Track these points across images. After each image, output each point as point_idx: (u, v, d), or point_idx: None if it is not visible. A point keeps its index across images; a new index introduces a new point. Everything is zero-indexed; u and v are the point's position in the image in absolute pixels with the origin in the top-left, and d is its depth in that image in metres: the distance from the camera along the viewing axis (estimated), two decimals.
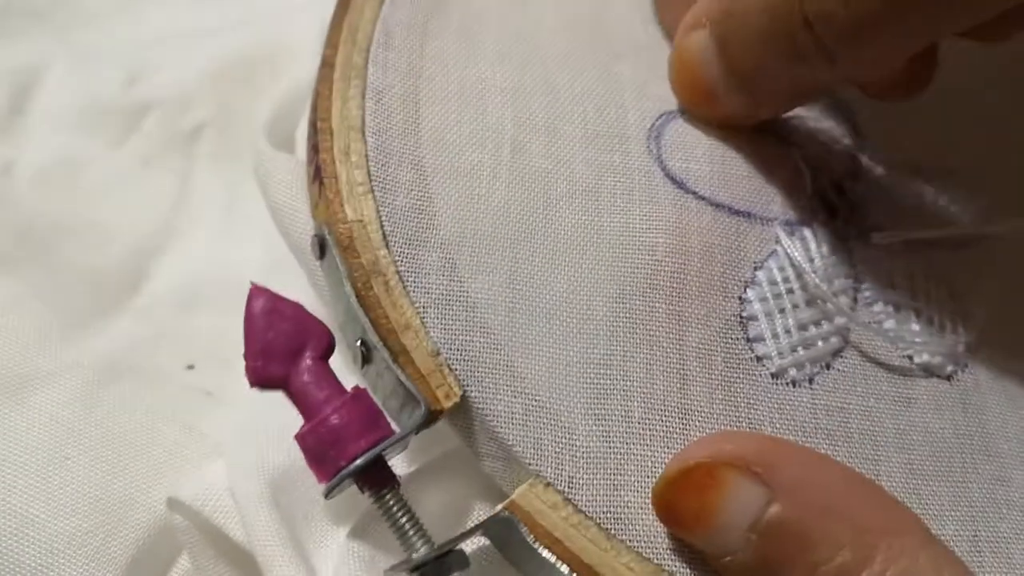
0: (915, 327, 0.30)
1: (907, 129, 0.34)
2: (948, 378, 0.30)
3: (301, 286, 0.30)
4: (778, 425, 0.27)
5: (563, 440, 0.25)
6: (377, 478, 0.24)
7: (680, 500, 0.23)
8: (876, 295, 0.30)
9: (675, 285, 0.28)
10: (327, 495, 0.24)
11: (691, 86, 0.30)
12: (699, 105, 0.30)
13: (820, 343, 0.28)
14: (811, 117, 0.33)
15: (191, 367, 0.34)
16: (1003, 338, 0.31)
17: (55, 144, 0.39)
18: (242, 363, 0.30)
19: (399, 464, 0.28)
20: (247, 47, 0.42)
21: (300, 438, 0.24)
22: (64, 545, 0.29)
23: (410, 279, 0.26)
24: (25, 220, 0.37)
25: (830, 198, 0.31)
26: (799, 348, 0.28)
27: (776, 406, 0.27)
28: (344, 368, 0.26)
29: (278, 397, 0.25)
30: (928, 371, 0.29)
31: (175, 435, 0.32)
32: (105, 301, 0.36)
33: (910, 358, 0.29)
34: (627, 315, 0.27)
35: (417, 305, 0.26)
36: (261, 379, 0.24)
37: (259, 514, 0.27)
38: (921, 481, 0.28)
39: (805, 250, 0.30)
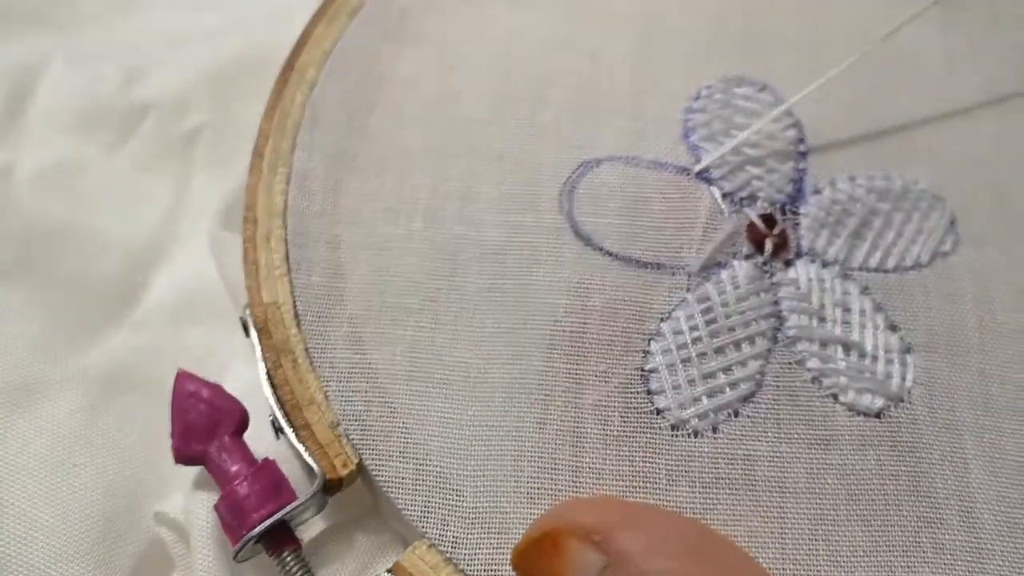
0: (842, 364, 0.29)
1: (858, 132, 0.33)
2: (877, 415, 0.29)
3: None
4: (675, 478, 0.28)
5: (450, 501, 0.27)
6: (278, 542, 0.27)
7: (532, 569, 0.25)
8: (800, 333, 0.30)
9: (574, 345, 0.29)
10: (235, 558, 0.27)
11: None
12: None
13: (728, 390, 0.29)
14: (750, 142, 0.32)
15: None
16: (949, 368, 0.30)
17: (54, 146, 0.39)
18: (225, 380, 0.32)
19: (319, 520, 0.30)
20: (245, 49, 0.42)
21: (216, 508, 0.27)
22: (72, 551, 0.30)
23: (317, 355, 0.29)
24: (25, 227, 0.37)
25: (758, 231, 0.31)
26: (703, 398, 0.28)
27: (674, 459, 0.28)
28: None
29: None
30: (853, 410, 0.29)
31: None
32: (106, 311, 0.36)
33: (834, 397, 0.29)
34: (523, 377, 0.29)
35: (322, 379, 0.29)
36: (183, 457, 0.28)
37: (202, 546, 0.29)
38: (832, 526, 0.27)
39: (719, 294, 0.30)
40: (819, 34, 0.35)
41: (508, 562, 0.27)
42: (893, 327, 0.30)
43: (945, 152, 0.33)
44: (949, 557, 0.27)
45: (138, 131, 0.41)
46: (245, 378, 0.32)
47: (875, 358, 0.29)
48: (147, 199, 0.39)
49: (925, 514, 0.28)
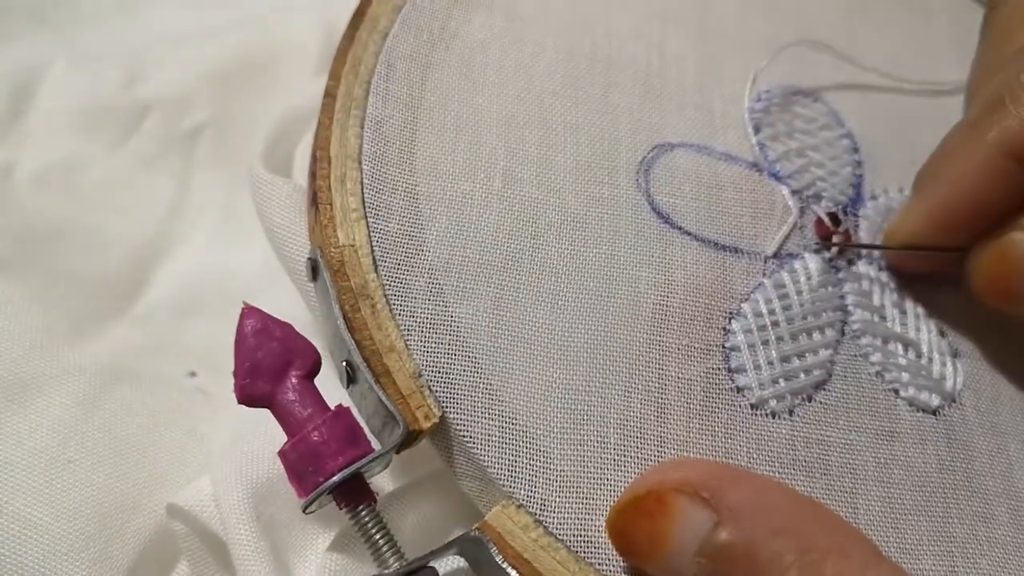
0: (902, 361, 0.30)
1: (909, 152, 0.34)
2: (934, 413, 0.29)
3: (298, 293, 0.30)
4: (755, 456, 0.27)
5: (538, 463, 0.26)
6: (354, 495, 0.25)
7: (632, 527, 0.24)
8: (864, 327, 0.30)
9: (657, 316, 0.28)
10: (305, 510, 0.25)
11: (997, 281, 0.29)
12: (995, 296, 0.29)
13: (802, 375, 0.29)
14: (812, 145, 0.33)
15: (193, 374, 0.35)
16: (992, 375, 0.31)
17: (55, 146, 0.39)
18: None
19: (383, 481, 0.28)
20: (246, 48, 0.42)
21: (282, 454, 0.25)
22: (66, 549, 0.29)
23: (396, 302, 0.27)
24: (25, 224, 0.37)
25: (825, 228, 0.31)
26: (780, 380, 0.28)
27: (754, 437, 0.27)
28: (336, 385, 0.27)
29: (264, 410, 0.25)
30: (913, 405, 0.29)
31: (177, 440, 0.32)
32: (105, 307, 0.36)
33: (896, 392, 0.29)
34: (608, 344, 0.28)
35: (402, 328, 0.27)
36: (248, 397, 0.25)
37: (240, 526, 0.27)
38: (900, 515, 0.28)
39: (794, 283, 0.30)
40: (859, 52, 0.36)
41: (599, 527, 0.25)
42: (942, 332, 0.31)
43: None
44: (1003, 552, 0.28)
45: (139, 130, 0.41)
46: None
47: (930, 359, 0.30)
48: (148, 197, 0.39)
49: (979, 510, 0.28)
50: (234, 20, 0.43)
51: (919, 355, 0.30)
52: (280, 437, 0.25)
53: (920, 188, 0.31)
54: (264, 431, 0.29)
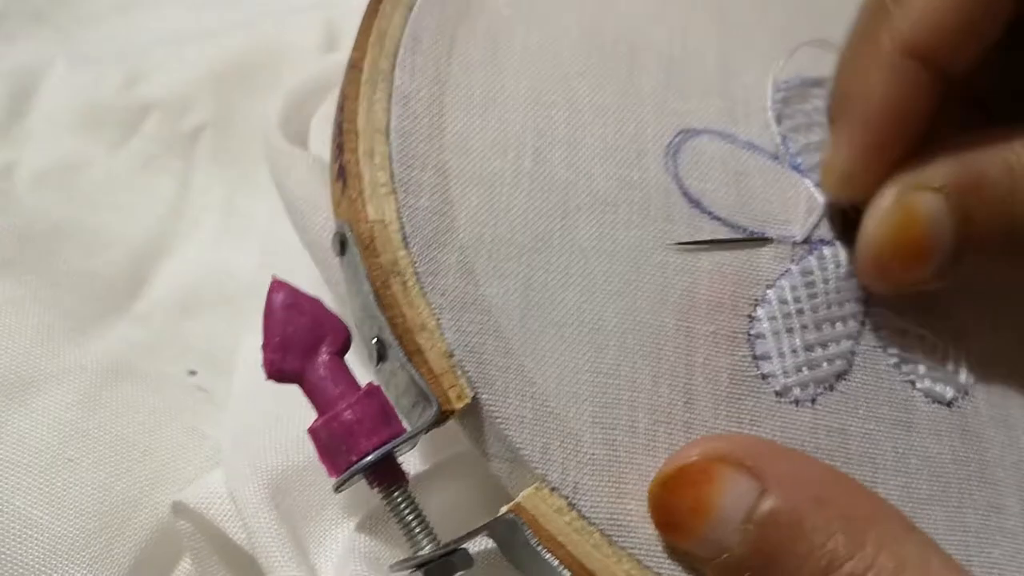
0: (919, 353, 0.30)
1: None
2: (948, 405, 0.30)
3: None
4: (779, 443, 0.27)
5: (570, 446, 0.25)
6: (387, 475, 0.24)
7: (676, 498, 0.24)
8: (883, 319, 0.30)
9: (684, 302, 0.28)
10: (337, 489, 0.24)
11: (906, 245, 0.28)
12: (901, 263, 0.28)
13: (825, 364, 0.29)
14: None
15: (193, 372, 0.34)
16: (1002, 369, 0.31)
17: (55, 146, 0.39)
18: (238, 366, 0.31)
19: (409, 463, 0.27)
20: (246, 49, 0.42)
21: (313, 432, 0.24)
22: (67, 548, 0.28)
23: (427, 280, 0.26)
24: (26, 223, 0.36)
25: (849, 219, 0.31)
26: (804, 368, 0.28)
27: (779, 424, 0.27)
28: (359, 364, 0.27)
29: (271, 399, 0.25)
30: (929, 397, 0.29)
31: (178, 438, 0.32)
32: (105, 305, 0.35)
33: (912, 383, 0.29)
34: (636, 328, 0.27)
35: (433, 306, 0.26)
36: (278, 372, 0.24)
37: (259, 517, 0.26)
38: (918, 505, 0.28)
39: (822, 270, 0.30)
40: None
41: (630, 511, 0.25)
42: (955, 323, 0.31)
43: None
44: (1014, 542, 0.28)
45: (140, 130, 0.41)
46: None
47: (945, 353, 0.30)
48: (149, 197, 0.39)
49: (991, 500, 0.28)
50: (234, 20, 0.43)
51: (934, 347, 0.30)
52: (289, 430, 0.25)
53: (838, 115, 0.30)
54: (273, 425, 0.28)
